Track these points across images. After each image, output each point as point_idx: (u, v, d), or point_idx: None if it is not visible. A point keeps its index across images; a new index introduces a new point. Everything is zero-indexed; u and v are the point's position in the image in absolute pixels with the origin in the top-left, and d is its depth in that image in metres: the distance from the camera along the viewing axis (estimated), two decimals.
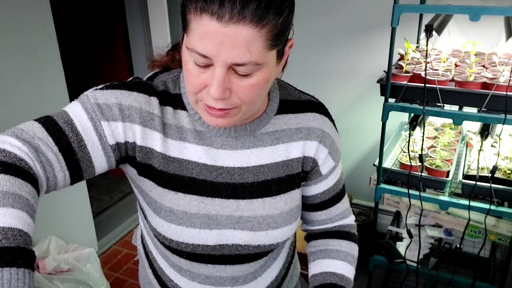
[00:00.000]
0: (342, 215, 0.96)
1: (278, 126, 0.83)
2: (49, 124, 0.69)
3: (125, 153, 0.75)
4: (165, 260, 0.88)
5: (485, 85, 1.65)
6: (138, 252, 1.02)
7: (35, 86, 1.97)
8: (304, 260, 1.14)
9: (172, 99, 0.79)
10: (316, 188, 0.89)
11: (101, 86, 0.75)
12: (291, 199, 0.84)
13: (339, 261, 0.90)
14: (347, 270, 0.89)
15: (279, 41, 0.67)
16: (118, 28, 3.11)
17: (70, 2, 3.15)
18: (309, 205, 0.93)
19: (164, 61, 0.86)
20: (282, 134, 0.83)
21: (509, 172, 1.77)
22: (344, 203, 0.96)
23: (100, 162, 0.72)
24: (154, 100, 0.75)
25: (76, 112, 0.71)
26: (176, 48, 0.87)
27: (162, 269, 0.91)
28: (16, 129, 0.67)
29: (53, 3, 2.01)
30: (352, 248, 0.94)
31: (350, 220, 0.98)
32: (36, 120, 0.69)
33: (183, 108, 0.79)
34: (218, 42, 0.62)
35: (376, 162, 1.92)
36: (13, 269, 0.54)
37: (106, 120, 0.71)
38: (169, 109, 0.77)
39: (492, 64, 1.77)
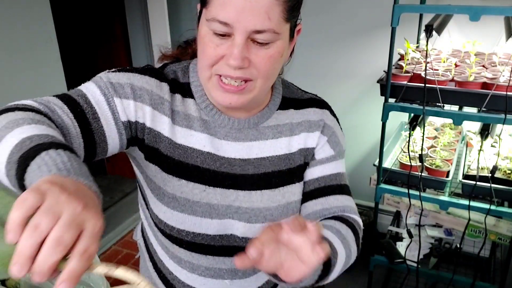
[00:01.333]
0: (343, 209, 0.84)
1: (281, 120, 0.85)
2: (64, 96, 0.71)
3: (135, 133, 0.76)
4: (165, 251, 0.89)
5: (485, 85, 1.65)
6: (139, 247, 1.03)
7: (35, 86, 1.96)
8: None
9: (181, 87, 0.81)
10: (309, 173, 0.87)
11: (114, 69, 0.78)
12: (290, 192, 0.85)
13: (328, 231, 0.76)
14: (336, 241, 0.74)
15: (293, 15, 0.70)
16: (118, 28, 3.11)
17: (70, 2, 3.15)
18: (304, 194, 0.88)
19: (175, 54, 0.89)
20: (285, 128, 0.84)
21: (509, 172, 1.77)
22: (348, 199, 0.86)
23: (113, 139, 0.73)
24: (165, 86, 0.78)
25: (90, 88, 0.73)
26: (187, 43, 0.90)
27: (162, 261, 0.91)
28: (32, 99, 0.69)
29: (53, 3, 2.01)
30: (347, 231, 0.78)
31: (356, 217, 0.86)
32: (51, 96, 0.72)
33: (191, 96, 0.81)
34: (240, 8, 0.64)
35: (376, 162, 1.92)
36: (51, 150, 0.53)
37: (119, 97, 0.73)
38: (178, 97, 0.80)
39: (492, 64, 1.77)
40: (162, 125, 0.77)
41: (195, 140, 0.80)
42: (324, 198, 0.84)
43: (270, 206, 0.82)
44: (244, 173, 0.82)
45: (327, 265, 0.69)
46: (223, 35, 0.68)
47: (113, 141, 0.73)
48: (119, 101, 0.73)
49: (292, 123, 0.85)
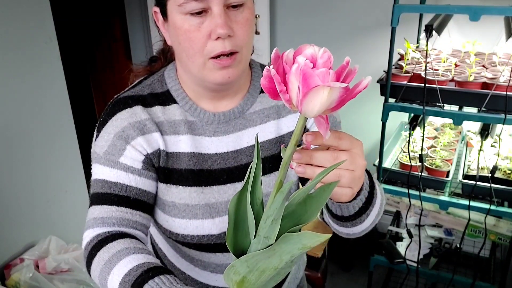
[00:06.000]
0: None
1: (266, 103, 0.85)
2: (96, 198, 0.78)
3: (152, 163, 0.80)
4: (177, 251, 0.90)
5: (485, 85, 1.65)
6: None
7: (35, 86, 1.96)
8: (308, 262, 1.13)
9: (161, 98, 0.82)
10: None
11: (95, 133, 0.81)
12: (286, 175, 0.85)
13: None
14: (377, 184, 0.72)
15: None
16: (118, 29, 3.12)
17: (70, 2, 3.15)
18: None
19: (147, 70, 0.91)
20: (271, 111, 0.85)
21: (509, 172, 1.77)
22: None
23: (148, 186, 0.79)
24: (136, 108, 0.79)
25: (100, 172, 0.78)
26: (155, 59, 0.92)
27: (172, 263, 0.92)
28: (89, 222, 0.78)
29: (53, 3, 2.01)
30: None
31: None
32: (90, 204, 0.79)
33: (174, 101, 0.82)
34: None
35: (376, 162, 1.92)
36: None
37: (120, 155, 0.77)
38: (157, 108, 0.81)
39: (492, 64, 1.77)
40: (156, 142, 0.79)
41: (184, 144, 0.81)
42: None
43: (268, 191, 0.83)
44: (238, 164, 0.83)
45: (370, 197, 0.66)
46: (200, 13, 0.69)
47: (151, 186, 0.79)
48: (123, 157, 0.77)
49: (278, 105, 0.85)
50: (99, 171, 0.79)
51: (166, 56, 0.90)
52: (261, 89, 0.85)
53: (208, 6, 0.69)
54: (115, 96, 0.84)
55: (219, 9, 0.69)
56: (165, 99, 0.82)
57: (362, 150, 0.55)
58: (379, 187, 0.73)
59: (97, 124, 0.82)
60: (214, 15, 0.69)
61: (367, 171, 0.67)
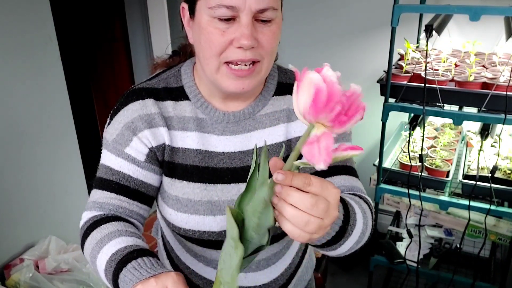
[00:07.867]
0: (352, 188, 0.81)
1: (277, 106, 0.85)
2: (99, 182, 0.82)
3: (156, 157, 0.82)
4: (182, 246, 0.92)
5: (485, 85, 1.65)
6: (157, 245, 1.07)
7: (35, 87, 1.96)
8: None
9: (174, 93, 0.83)
10: None
11: (108, 119, 0.84)
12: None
13: (352, 201, 0.71)
14: (358, 213, 0.69)
15: None
16: (118, 29, 3.11)
17: (70, 2, 3.15)
18: None
19: (166, 63, 0.91)
20: (282, 114, 0.85)
21: (509, 172, 1.77)
22: (355, 181, 0.84)
23: (149, 178, 0.82)
24: (148, 101, 0.81)
25: (107, 158, 0.82)
26: (176, 53, 0.92)
27: (178, 257, 0.94)
28: (89, 204, 0.83)
29: (53, 3, 2.01)
30: (366, 208, 0.74)
31: (367, 197, 0.81)
32: (94, 186, 0.84)
33: (186, 98, 0.83)
34: None
35: (376, 162, 1.92)
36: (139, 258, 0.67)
37: (126, 146, 0.80)
38: (169, 103, 0.82)
39: (492, 64, 1.77)
40: (162, 136, 0.81)
41: (191, 141, 0.82)
42: (331, 178, 0.82)
43: None
44: (244, 165, 0.83)
45: (341, 232, 0.64)
46: (228, 20, 0.70)
47: (152, 179, 0.82)
48: (129, 148, 0.80)
49: (290, 109, 0.85)
50: (106, 157, 0.82)
51: (187, 51, 0.91)
52: (274, 92, 0.85)
53: (237, 15, 0.69)
54: (132, 86, 0.86)
55: (248, 20, 0.69)
56: (178, 94, 0.83)
57: (338, 200, 0.53)
58: (361, 212, 0.69)
59: (111, 111, 0.85)
60: (241, 24, 0.69)
61: (344, 202, 0.64)
